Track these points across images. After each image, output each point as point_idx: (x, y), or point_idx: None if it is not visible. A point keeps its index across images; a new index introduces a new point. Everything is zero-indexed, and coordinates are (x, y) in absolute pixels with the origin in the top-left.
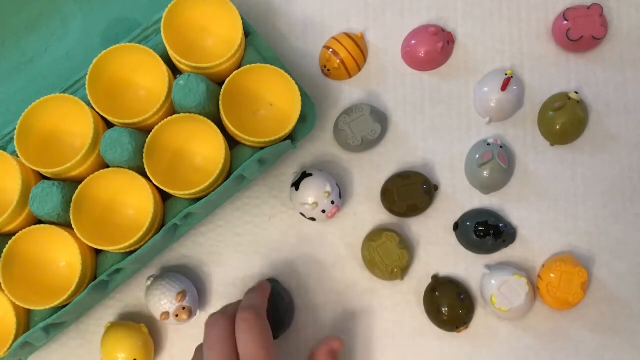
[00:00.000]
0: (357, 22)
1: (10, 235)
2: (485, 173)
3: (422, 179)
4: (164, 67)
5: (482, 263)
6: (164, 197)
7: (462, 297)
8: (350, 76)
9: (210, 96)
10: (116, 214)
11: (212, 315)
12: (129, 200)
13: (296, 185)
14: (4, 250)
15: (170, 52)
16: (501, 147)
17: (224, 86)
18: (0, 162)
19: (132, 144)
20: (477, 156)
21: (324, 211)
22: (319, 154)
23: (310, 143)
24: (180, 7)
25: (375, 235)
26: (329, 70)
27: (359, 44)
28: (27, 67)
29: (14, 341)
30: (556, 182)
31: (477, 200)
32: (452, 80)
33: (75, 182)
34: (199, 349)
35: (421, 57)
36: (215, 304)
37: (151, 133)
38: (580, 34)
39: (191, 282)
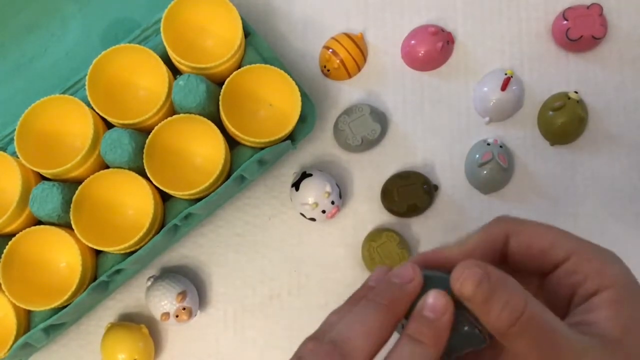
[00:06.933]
0: (357, 22)
1: (10, 236)
2: (485, 173)
3: (422, 179)
4: (163, 68)
5: None
6: (164, 197)
7: None
8: (349, 76)
9: (210, 96)
10: (116, 214)
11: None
12: (129, 200)
13: (296, 185)
14: (4, 251)
15: (170, 53)
16: (501, 147)
17: (223, 86)
18: (0, 162)
19: (132, 144)
20: (477, 156)
21: (324, 211)
22: (318, 154)
23: (310, 143)
24: (180, 7)
25: (375, 235)
26: (328, 70)
27: (359, 44)
28: (27, 68)
29: (14, 342)
30: (556, 182)
31: (477, 200)
32: (452, 80)
33: (75, 182)
34: None
35: (421, 57)
36: (216, 304)
37: (151, 133)
38: (580, 33)
39: (191, 283)
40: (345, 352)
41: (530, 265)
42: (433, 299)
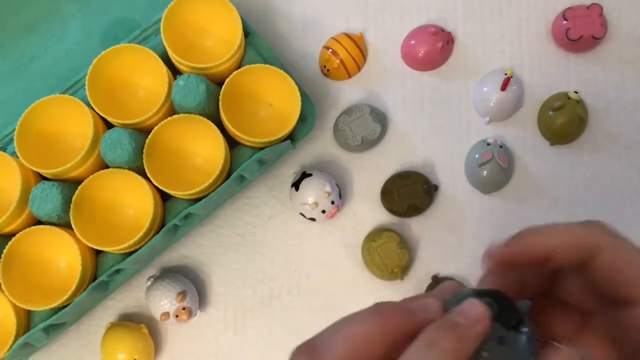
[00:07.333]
0: (357, 22)
1: (10, 236)
2: (485, 173)
3: (422, 179)
4: (163, 68)
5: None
6: (164, 197)
7: None
8: (349, 76)
9: (210, 96)
10: (116, 214)
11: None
12: (129, 200)
13: (296, 185)
14: (4, 251)
15: (170, 53)
16: (501, 147)
17: (223, 86)
18: (0, 162)
19: (132, 144)
20: (477, 156)
21: (324, 211)
22: (318, 154)
23: (310, 143)
24: (180, 7)
25: (375, 235)
26: (328, 70)
27: (359, 44)
28: (27, 68)
29: (14, 342)
30: (556, 182)
31: (477, 200)
32: (452, 80)
33: (75, 182)
34: None
35: (421, 57)
36: (216, 304)
37: (151, 133)
38: (580, 33)
39: (191, 282)
40: (316, 352)
41: (609, 290)
42: (469, 304)
